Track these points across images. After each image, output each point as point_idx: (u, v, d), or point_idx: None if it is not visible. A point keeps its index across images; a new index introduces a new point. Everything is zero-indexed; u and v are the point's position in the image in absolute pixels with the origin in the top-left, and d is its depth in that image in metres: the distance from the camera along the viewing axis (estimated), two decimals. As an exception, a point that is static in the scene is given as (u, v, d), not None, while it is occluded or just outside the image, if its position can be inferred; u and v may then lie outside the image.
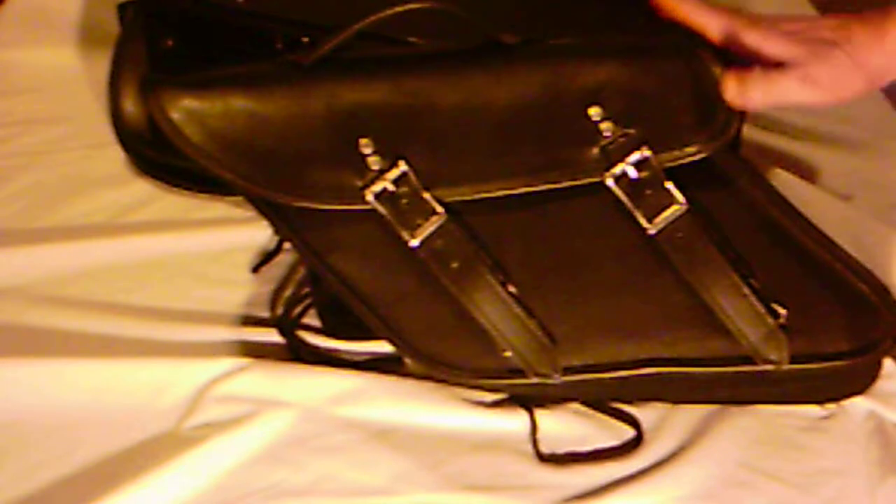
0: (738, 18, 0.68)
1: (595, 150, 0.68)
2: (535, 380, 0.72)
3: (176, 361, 0.75)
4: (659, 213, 0.69)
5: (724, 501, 0.69)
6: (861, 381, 0.75)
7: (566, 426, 0.73)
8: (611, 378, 0.72)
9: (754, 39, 0.67)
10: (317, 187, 0.68)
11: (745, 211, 0.70)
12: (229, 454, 0.70)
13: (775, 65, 0.66)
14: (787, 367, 0.72)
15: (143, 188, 0.90)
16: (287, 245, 0.84)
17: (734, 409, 0.74)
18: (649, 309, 0.72)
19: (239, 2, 0.86)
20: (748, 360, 0.72)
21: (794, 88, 0.66)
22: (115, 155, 0.90)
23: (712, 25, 0.68)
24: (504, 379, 0.73)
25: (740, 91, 0.67)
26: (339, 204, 0.69)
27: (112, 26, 0.93)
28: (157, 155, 0.87)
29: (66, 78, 1.02)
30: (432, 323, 0.72)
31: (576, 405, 0.75)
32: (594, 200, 0.69)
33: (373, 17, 0.67)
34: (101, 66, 0.90)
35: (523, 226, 0.71)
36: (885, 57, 0.65)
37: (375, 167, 0.68)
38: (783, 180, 0.89)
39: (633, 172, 0.68)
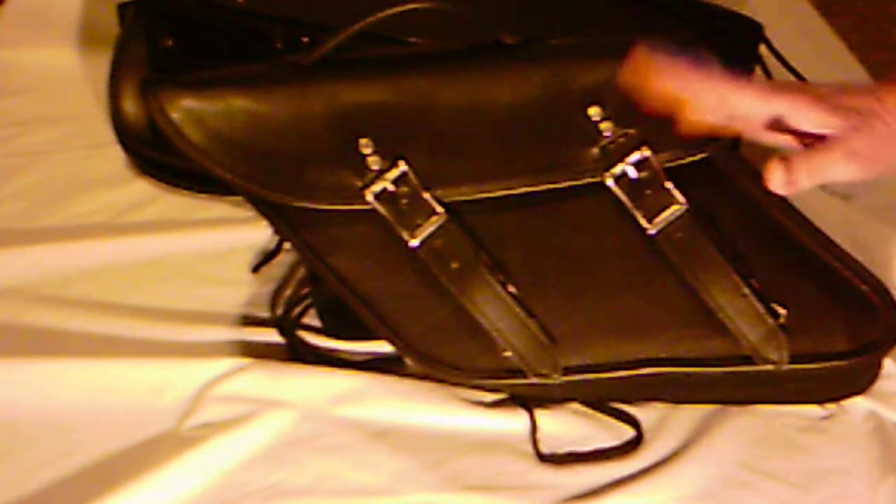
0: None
1: (595, 150, 0.68)
2: (535, 380, 0.72)
3: (176, 361, 0.75)
4: (659, 213, 0.69)
5: (724, 501, 0.69)
6: (861, 381, 0.75)
7: (566, 426, 0.73)
8: (611, 378, 0.72)
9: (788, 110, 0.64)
10: (317, 187, 0.68)
11: (745, 211, 0.70)
12: (229, 454, 0.70)
13: (807, 139, 0.64)
14: (786, 367, 0.72)
15: (143, 188, 0.90)
16: (287, 245, 0.84)
17: (734, 409, 0.74)
18: (649, 309, 0.72)
19: (239, 2, 0.86)
20: (748, 360, 0.72)
21: (840, 166, 0.62)
22: (115, 155, 0.90)
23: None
24: (504, 379, 0.73)
25: (786, 178, 0.63)
26: (339, 204, 0.69)
27: (112, 26, 0.93)
28: (157, 155, 0.87)
29: (66, 78, 1.02)
30: (432, 323, 0.72)
31: (576, 405, 0.75)
32: (594, 200, 0.69)
33: (373, 17, 0.67)
34: (101, 66, 0.90)
35: (523, 226, 0.71)
36: None
37: (375, 167, 0.68)
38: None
39: (632, 172, 0.68)
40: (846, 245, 0.71)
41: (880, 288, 0.71)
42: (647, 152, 0.68)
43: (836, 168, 0.63)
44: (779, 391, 0.74)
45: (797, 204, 0.71)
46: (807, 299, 0.71)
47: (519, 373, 0.72)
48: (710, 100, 0.63)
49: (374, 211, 0.68)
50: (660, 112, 0.63)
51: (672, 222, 0.69)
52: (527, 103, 0.68)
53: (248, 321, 0.80)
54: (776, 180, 0.64)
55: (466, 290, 0.70)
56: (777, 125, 0.64)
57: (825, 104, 0.62)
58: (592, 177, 0.69)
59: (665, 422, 0.74)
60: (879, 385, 0.75)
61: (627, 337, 0.72)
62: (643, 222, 0.69)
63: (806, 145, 0.64)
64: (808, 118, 0.63)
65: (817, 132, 0.63)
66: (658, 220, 0.69)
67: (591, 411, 0.74)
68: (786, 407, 0.75)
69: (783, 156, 0.64)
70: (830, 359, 0.72)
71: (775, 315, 0.71)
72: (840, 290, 0.71)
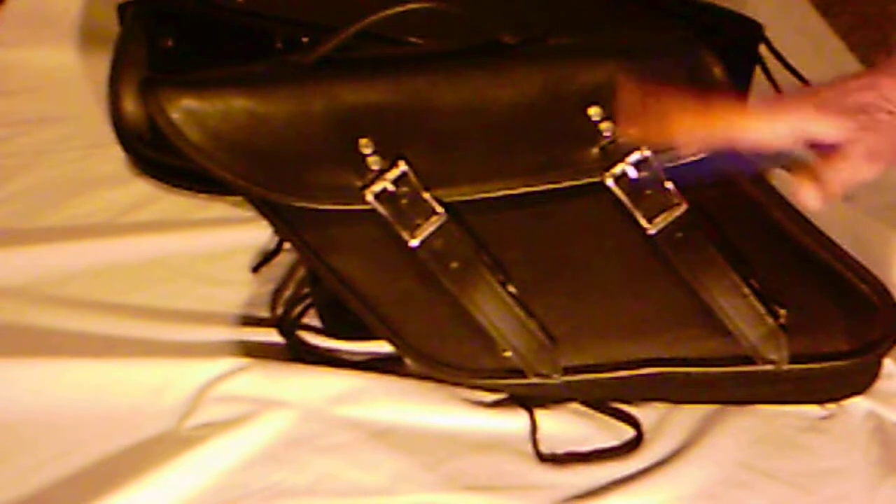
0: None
1: (595, 150, 0.68)
2: (535, 380, 0.72)
3: (176, 361, 0.75)
4: (659, 213, 0.69)
5: (724, 501, 0.69)
6: (861, 381, 0.75)
7: (566, 426, 0.73)
8: (611, 378, 0.72)
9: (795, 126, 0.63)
10: (317, 187, 0.68)
11: (745, 211, 0.70)
12: (229, 454, 0.70)
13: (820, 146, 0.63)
14: (786, 367, 0.72)
15: (143, 188, 0.90)
16: (287, 245, 0.84)
17: (734, 409, 0.74)
18: (649, 309, 0.72)
19: (239, 2, 0.86)
20: (748, 360, 0.72)
21: (865, 168, 0.62)
22: (115, 155, 0.90)
23: None
24: (504, 379, 0.73)
25: (820, 195, 0.63)
26: (339, 204, 0.69)
27: (112, 26, 0.92)
28: (157, 155, 0.87)
29: (66, 78, 1.02)
30: (432, 323, 0.72)
31: (576, 405, 0.75)
32: (594, 200, 0.69)
33: (373, 17, 0.68)
34: (101, 66, 0.89)
35: (523, 226, 0.71)
36: None
37: (375, 167, 0.68)
38: (783, 180, 0.89)
39: (632, 172, 0.68)
40: (846, 245, 0.71)
41: (880, 288, 0.71)
42: (647, 152, 0.68)
43: (862, 171, 0.62)
44: (779, 391, 0.74)
45: (797, 204, 0.71)
46: (807, 299, 0.71)
47: (519, 373, 0.72)
48: (717, 133, 0.63)
49: (373, 211, 0.68)
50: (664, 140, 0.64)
51: (672, 222, 0.69)
52: (527, 103, 0.68)
53: (248, 321, 0.80)
54: (811, 199, 0.63)
55: (466, 290, 0.70)
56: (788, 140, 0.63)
57: (831, 110, 0.62)
58: (592, 177, 0.69)
59: (665, 422, 0.74)
60: (879, 385, 0.75)
61: (627, 337, 0.72)
62: (643, 222, 0.69)
63: (815, 148, 0.64)
64: (818, 129, 0.62)
65: (830, 141, 0.62)
66: (658, 220, 0.69)
67: (591, 411, 0.74)
68: (786, 407, 0.75)
69: (807, 173, 0.63)
70: (830, 359, 0.72)
71: (775, 315, 0.71)
72: (840, 290, 0.71)
